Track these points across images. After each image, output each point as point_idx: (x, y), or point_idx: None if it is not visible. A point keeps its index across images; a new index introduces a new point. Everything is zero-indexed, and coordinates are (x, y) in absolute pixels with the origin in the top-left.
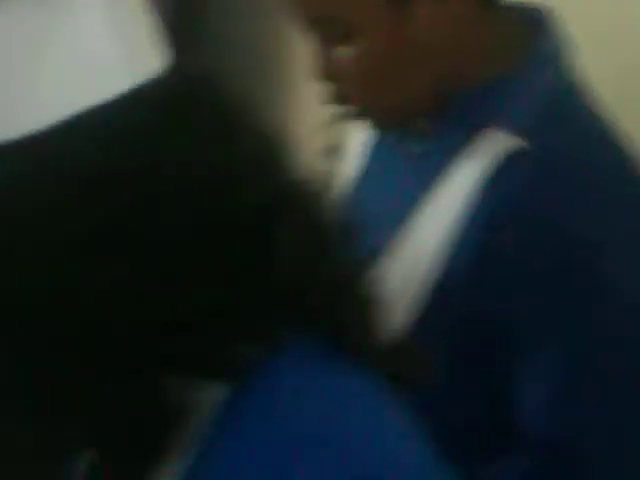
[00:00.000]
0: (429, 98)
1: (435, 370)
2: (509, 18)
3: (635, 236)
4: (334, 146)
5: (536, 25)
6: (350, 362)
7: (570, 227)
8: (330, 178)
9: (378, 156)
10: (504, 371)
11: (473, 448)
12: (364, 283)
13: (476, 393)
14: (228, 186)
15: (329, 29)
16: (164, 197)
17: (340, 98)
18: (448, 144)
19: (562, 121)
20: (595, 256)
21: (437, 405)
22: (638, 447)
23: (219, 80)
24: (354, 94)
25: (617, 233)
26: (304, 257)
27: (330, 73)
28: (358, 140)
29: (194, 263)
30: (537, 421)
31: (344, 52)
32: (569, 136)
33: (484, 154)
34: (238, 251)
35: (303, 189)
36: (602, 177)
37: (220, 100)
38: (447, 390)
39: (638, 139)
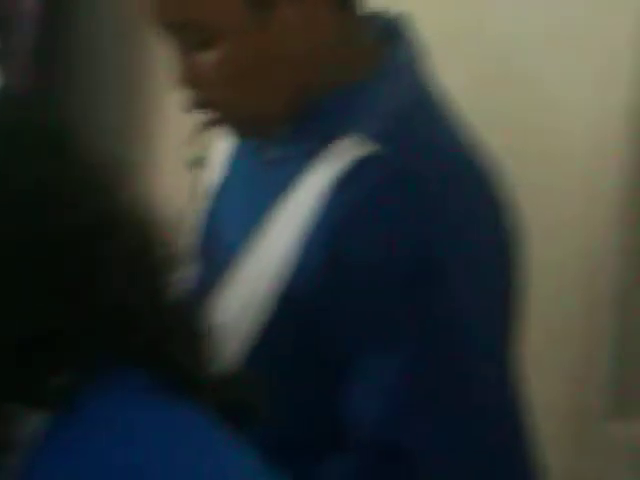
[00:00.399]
0: (289, 104)
1: (269, 400)
2: (367, 25)
3: (477, 250)
4: (199, 155)
5: (393, 32)
6: (179, 394)
7: (413, 237)
8: (194, 189)
9: (238, 164)
10: (339, 375)
11: (306, 453)
12: (197, 312)
13: (313, 401)
14: (46, 203)
15: (189, 34)
16: None
17: (201, 105)
18: (304, 150)
19: (415, 129)
20: (436, 269)
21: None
22: (468, 451)
23: (53, 101)
24: (215, 101)
25: (459, 245)
26: (130, 284)
27: (190, 79)
28: (221, 148)
29: (10, 285)
30: (370, 425)
31: (204, 57)
32: (421, 145)
33: (337, 159)
34: (59, 275)
35: (135, 215)
36: (449, 188)
37: (48, 122)
38: (283, 404)
39: (492, 144)
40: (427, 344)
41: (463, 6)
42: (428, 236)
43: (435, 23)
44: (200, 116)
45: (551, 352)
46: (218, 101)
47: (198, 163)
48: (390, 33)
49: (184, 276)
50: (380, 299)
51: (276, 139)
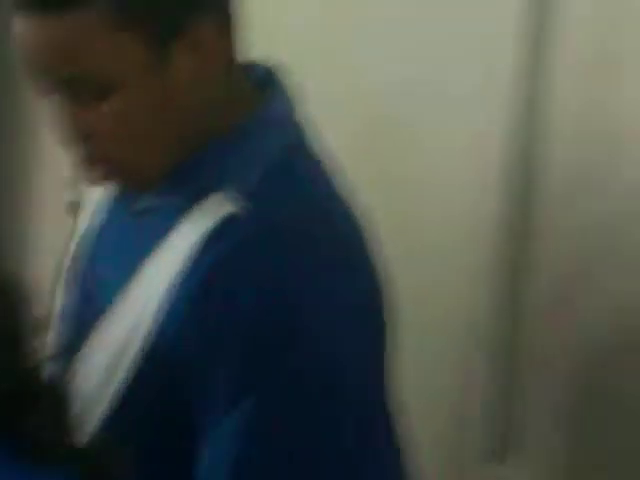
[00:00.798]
0: (173, 155)
1: (131, 468)
2: (243, 75)
3: (345, 301)
4: (76, 199)
5: (269, 83)
6: (38, 463)
7: (269, 296)
8: (71, 235)
9: (114, 211)
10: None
11: None
12: (61, 376)
13: (176, 469)
14: None
15: (82, 87)
16: None
17: (91, 160)
18: (176, 202)
19: (285, 184)
20: (294, 328)
21: None
22: None
23: None
24: (105, 155)
25: (323, 298)
26: None
27: (81, 134)
28: (97, 193)
29: None
30: None
31: (98, 110)
32: (289, 201)
33: (207, 216)
34: None
35: None
36: (314, 243)
37: None
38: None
39: (369, 196)
40: (269, 407)
41: (336, 56)
42: (286, 294)
43: (308, 73)
44: (83, 168)
45: (432, 393)
46: (109, 155)
47: (74, 207)
48: (267, 82)
49: (50, 338)
50: (231, 361)
51: (149, 190)
